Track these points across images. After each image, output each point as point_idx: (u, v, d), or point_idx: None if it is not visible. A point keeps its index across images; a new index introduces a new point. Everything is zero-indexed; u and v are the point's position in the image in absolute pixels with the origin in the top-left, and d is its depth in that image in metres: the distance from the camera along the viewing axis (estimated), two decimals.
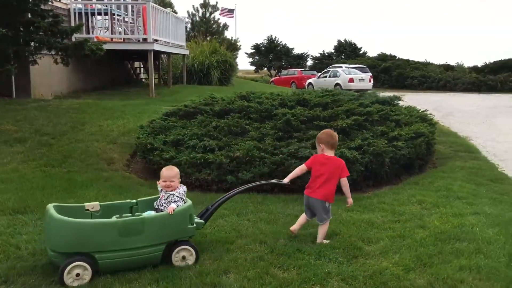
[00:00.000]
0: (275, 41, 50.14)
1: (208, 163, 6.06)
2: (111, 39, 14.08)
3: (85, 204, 3.84)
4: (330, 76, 28.54)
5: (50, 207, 3.53)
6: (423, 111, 8.58)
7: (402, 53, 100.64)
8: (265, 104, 7.22)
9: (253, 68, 51.72)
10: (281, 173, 5.89)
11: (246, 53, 51.29)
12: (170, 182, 3.88)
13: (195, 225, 3.83)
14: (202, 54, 17.49)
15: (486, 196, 5.65)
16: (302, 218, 4.42)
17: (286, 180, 4.28)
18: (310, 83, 29.98)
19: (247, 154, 5.96)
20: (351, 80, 26.89)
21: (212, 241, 4.27)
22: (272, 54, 49.78)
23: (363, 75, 28.20)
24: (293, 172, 4.31)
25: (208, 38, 25.27)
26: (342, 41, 50.76)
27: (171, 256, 3.69)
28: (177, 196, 3.86)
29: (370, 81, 28.22)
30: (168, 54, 15.94)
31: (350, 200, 4.31)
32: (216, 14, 39.13)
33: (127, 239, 3.47)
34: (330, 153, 4.26)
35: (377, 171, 6.22)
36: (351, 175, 5.97)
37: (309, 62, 50.58)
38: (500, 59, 36.72)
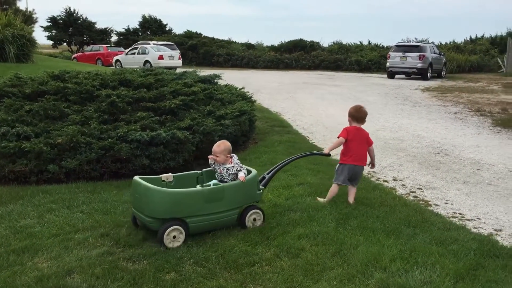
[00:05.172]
0: (75, 14, 46.54)
1: (24, 152, 5.38)
2: None
3: (161, 175, 4.23)
4: (139, 53, 27.79)
5: (139, 179, 3.94)
6: (241, 89, 8.96)
7: (206, 31, 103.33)
8: (84, 85, 6.67)
9: (50, 42, 47.26)
10: (111, 158, 5.59)
11: (42, 27, 46.54)
12: (215, 156, 4.26)
13: (261, 191, 4.30)
14: None
15: (305, 167, 6.20)
16: (336, 189, 4.87)
17: (326, 151, 4.78)
18: (117, 60, 28.77)
19: (71, 140, 5.46)
20: (161, 57, 26.64)
21: (44, 239, 3.84)
22: (72, 28, 46.10)
23: (172, 52, 28.21)
24: (332, 144, 4.83)
25: None
26: (147, 17, 49.73)
27: (245, 219, 4.13)
28: (237, 167, 4.24)
29: (179, 58, 28.37)
30: None
31: (375, 163, 5.06)
32: None
33: (211, 205, 3.93)
34: (358, 125, 4.82)
35: (207, 150, 6.30)
36: (182, 156, 6.02)
37: (114, 38, 48.34)
38: (293, 39, 40.39)
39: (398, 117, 11.47)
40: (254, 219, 4.19)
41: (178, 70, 10.05)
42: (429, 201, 5.32)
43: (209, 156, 4.36)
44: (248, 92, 9.08)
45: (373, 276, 3.33)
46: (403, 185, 5.93)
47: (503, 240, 4.22)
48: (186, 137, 5.88)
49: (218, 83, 8.82)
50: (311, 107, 12.99)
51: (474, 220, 4.76)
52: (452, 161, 7.24)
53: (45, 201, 4.76)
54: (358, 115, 4.83)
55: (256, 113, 8.54)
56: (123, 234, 3.97)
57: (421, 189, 5.79)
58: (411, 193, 5.58)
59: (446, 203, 5.27)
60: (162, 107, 6.44)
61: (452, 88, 18.93)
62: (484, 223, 4.69)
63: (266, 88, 17.89)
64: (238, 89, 8.90)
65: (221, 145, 4.30)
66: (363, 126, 4.91)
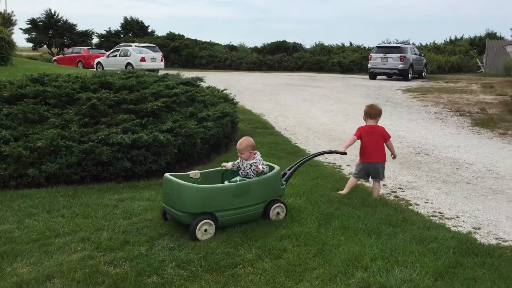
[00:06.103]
0: (55, 16, 46.01)
1: (3, 156, 5.31)
2: None
3: (189, 172, 4.44)
4: (120, 55, 27.59)
5: (170, 176, 4.15)
6: (223, 91, 8.97)
7: (189, 33, 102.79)
8: (64, 87, 6.60)
9: (30, 45, 46.64)
10: (91, 162, 5.54)
11: (21, 29, 45.88)
12: (240, 154, 4.46)
13: (284, 185, 4.53)
14: None
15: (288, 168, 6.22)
16: (352, 181, 5.25)
17: (342, 149, 5.00)
18: (99, 63, 28.53)
19: (51, 143, 5.40)
20: (142, 59, 26.51)
21: (23, 244, 3.78)
22: (52, 30, 45.57)
23: (155, 54, 28.09)
24: (346, 142, 5.11)
25: None
26: (129, 19, 49.39)
27: (269, 212, 4.35)
28: (258, 162, 4.39)
29: (161, 60, 28.25)
30: None
31: (395, 154, 5.34)
32: None
33: (238, 199, 4.13)
34: (372, 123, 5.11)
35: (190, 153, 6.30)
36: (165, 158, 5.99)
37: (95, 40, 47.90)
38: (275, 40, 40.51)
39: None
40: (278, 213, 4.39)
41: (161, 72, 10.00)
42: (410, 200, 5.39)
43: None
44: (231, 94, 9.09)
45: (354, 275, 3.36)
46: (384, 185, 5.99)
47: (482, 238, 4.30)
48: (168, 140, 5.86)
49: (201, 85, 8.80)
50: (293, 108, 13.04)
51: (454, 218, 4.84)
52: (432, 160, 7.34)
53: (25, 205, 4.70)
54: (370, 111, 5.15)
55: (238, 115, 8.53)
56: (104, 237, 3.94)
57: (401, 188, 5.86)
58: (392, 193, 5.64)
59: (426, 202, 5.34)
60: (143, 110, 6.41)
61: (433, 89, 19.18)
62: (463, 221, 4.76)
63: (249, 90, 17.91)
64: (220, 91, 8.91)
65: (243, 142, 4.46)
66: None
